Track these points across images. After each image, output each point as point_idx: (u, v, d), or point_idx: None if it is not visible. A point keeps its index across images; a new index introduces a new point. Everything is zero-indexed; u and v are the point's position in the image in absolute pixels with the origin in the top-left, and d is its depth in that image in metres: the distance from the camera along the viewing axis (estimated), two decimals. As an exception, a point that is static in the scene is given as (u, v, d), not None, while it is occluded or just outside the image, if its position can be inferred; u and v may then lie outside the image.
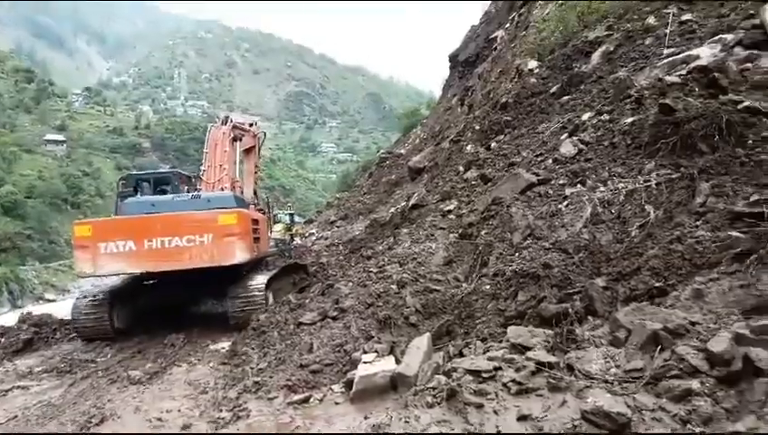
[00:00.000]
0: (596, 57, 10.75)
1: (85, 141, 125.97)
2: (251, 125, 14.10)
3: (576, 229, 5.93)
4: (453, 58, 32.46)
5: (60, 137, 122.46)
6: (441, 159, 14.59)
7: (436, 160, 15.38)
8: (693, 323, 4.11)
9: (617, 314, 4.62)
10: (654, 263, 5.03)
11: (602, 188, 6.45)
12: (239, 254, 8.83)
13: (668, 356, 3.89)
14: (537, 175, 7.68)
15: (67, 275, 69.31)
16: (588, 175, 6.98)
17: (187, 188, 11.27)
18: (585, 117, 8.54)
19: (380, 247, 9.91)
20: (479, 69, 24.11)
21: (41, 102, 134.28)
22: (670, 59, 8.53)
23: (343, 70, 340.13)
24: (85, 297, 9.64)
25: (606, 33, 11.39)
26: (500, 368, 4.33)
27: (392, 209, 14.71)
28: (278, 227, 24.54)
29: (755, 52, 7.15)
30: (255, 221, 10.09)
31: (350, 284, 8.19)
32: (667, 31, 9.62)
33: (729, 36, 7.82)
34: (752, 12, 8.16)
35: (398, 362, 5.38)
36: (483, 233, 7.47)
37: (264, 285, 9.44)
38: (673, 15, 10.06)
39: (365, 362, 5.48)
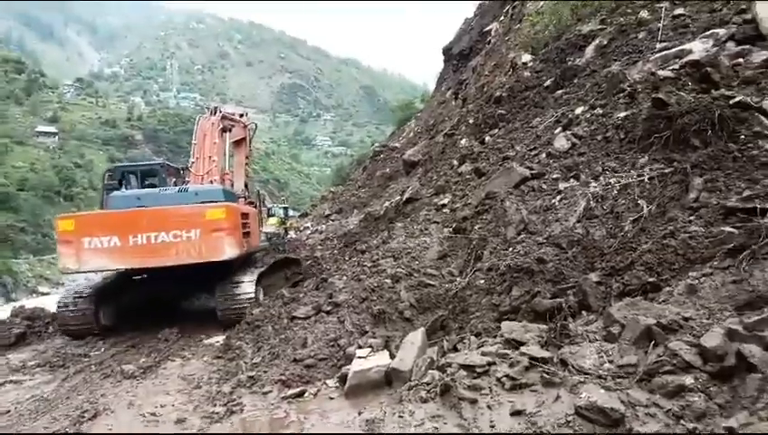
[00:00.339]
0: (589, 51, 10.74)
1: (77, 133, 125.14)
2: (241, 116, 13.83)
3: (570, 224, 5.94)
4: (447, 51, 32.37)
5: (52, 129, 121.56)
6: (435, 153, 14.58)
7: (431, 154, 15.37)
8: (686, 319, 4.12)
9: (610, 309, 4.63)
10: (647, 258, 5.04)
11: (596, 183, 6.46)
12: (228, 249, 8.61)
13: (662, 352, 3.90)
14: (531, 169, 7.68)
15: (60, 269, 68.72)
16: (581, 169, 6.98)
17: (175, 180, 11.02)
18: (578, 111, 8.54)
19: (375, 241, 9.92)
20: (473, 62, 24.08)
21: (32, 94, 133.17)
22: (663, 53, 8.53)
23: (337, 62, 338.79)
24: (71, 293, 9.42)
25: (599, 26, 11.37)
26: (494, 363, 4.34)
27: (386, 203, 14.68)
28: (272, 221, 24.50)
29: (747, 47, 7.16)
30: (245, 215, 9.88)
31: (345, 278, 8.20)
32: (660, 25, 9.60)
33: (721, 31, 7.82)
34: (743, 7, 8.16)
35: (392, 356, 5.39)
36: (477, 227, 7.48)
37: (253, 283, 9.28)
38: (666, 10, 10.05)
39: (359, 357, 5.50)
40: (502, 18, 22.45)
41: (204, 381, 6.18)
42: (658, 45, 9.06)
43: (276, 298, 8.81)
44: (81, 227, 8.62)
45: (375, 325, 6.46)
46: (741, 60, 6.94)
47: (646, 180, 6.00)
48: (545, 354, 4.30)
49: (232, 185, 12.18)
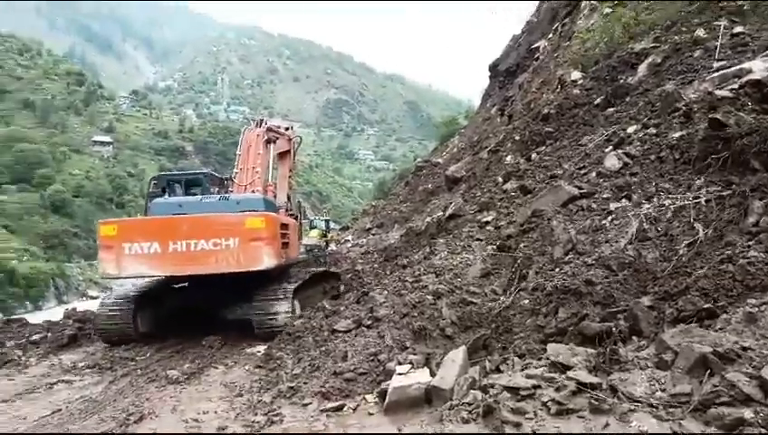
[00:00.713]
0: (642, 69, 10.49)
1: (131, 143, 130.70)
2: (287, 129, 13.85)
3: (621, 246, 5.76)
4: (493, 68, 32.22)
5: (107, 138, 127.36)
6: (479, 170, 14.46)
7: (474, 170, 15.25)
8: (744, 349, 3.91)
9: (663, 335, 4.45)
10: (703, 283, 4.83)
11: (649, 204, 6.25)
12: (266, 259, 8.50)
13: (718, 382, 3.71)
14: (580, 188, 7.50)
15: (109, 273, 71.32)
16: (634, 190, 6.78)
17: (218, 190, 11.06)
18: (631, 130, 8.32)
19: (416, 257, 9.85)
20: (520, 79, 23.86)
21: (90, 105, 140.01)
22: (721, 72, 8.25)
23: (382, 78, 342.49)
24: (110, 299, 9.47)
25: (653, 44, 11.11)
26: (539, 386, 4.22)
27: (428, 219, 14.62)
28: (314, 233, 24.79)
29: (813, 66, 6.85)
30: (285, 226, 9.78)
31: (386, 292, 8.15)
32: (718, 43, 9.32)
33: (784, 50, 7.52)
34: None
35: (432, 374, 5.32)
36: (522, 246, 7.34)
37: (290, 296, 9.12)
38: (724, 28, 9.74)
39: (399, 374, 5.44)
40: (550, 35, 22.22)
41: (245, 390, 6.24)
42: (716, 64, 8.78)
43: (317, 310, 8.84)
44: (122, 232, 8.61)
45: (415, 342, 6.39)
46: (806, 79, 6.64)
47: (702, 203, 5.77)
48: (594, 380, 4.15)
49: (275, 196, 12.21)
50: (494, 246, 8.08)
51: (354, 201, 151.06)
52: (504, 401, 4.13)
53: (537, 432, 3.79)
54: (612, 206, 6.71)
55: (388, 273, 10.14)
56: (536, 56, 22.63)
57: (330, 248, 21.12)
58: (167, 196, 10.37)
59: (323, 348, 6.92)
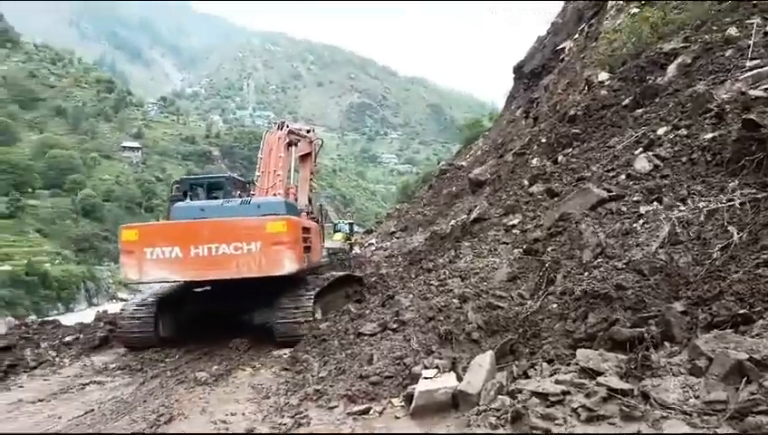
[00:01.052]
0: (672, 69, 10.29)
1: (159, 148, 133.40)
2: (308, 131, 13.72)
3: (652, 249, 5.64)
4: (518, 69, 31.97)
5: (136, 144, 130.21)
6: (504, 172, 14.34)
7: (499, 173, 15.14)
8: (783, 356, 3.80)
9: (697, 340, 4.34)
10: (738, 288, 4.70)
11: (681, 207, 6.12)
12: (288, 264, 8.37)
13: (755, 389, 3.61)
14: (609, 191, 7.38)
15: (138, 276, 73.05)
16: (665, 192, 6.64)
17: (240, 193, 10.94)
18: (661, 131, 8.16)
19: (441, 260, 9.82)
20: (545, 80, 23.63)
21: (119, 111, 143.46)
22: (754, 72, 8.05)
23: (405, 81, 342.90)
24: (131, 305, 9.43)
25: (682, 44, 10.89)
26: (568, 392, 4.15)
27: (452, 222, 14.56)
28: (338, 237, 24.91)
29: None
30: (307, 229, 9.66)
31: (411, 296, 8.13)
32: (751, 42, 9.08)
33: (822, 48, 7.30)
34: None
35: (459, 379, 5.28)
36: (549, 250, 7.25)
37: (311, 301, 8.95)
38: (757, 26, 9.50)
39: (426, 378, 5.41)
40: (576, 36, 21.97)
41: (272, 392, 6.29)
42: (748, 63, 8.57)
43: (343, 313, 8.87)
44: (143, 237, 8.54)
45: (441, 346, 6.36)
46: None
47: (736, 205, 5.63)
48: (625, 386, 4.06)
49: (296, 200, 12.09)
50: (521, 250, 8.00)
51: (378, 205, 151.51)
52: (532, 407, 4.08)
53: (567, 439, 3.73)
54: (643, 209, 6.59)
55: (412, 276, 10.13)
56: (562, 57, 22.39)
57: (354, 252, 21.18)
58: (188, 200, 10.30)
59: (349, 351, 6.93)
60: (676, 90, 9.32)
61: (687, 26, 11.60)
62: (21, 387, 7.39)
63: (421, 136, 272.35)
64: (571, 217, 7.36)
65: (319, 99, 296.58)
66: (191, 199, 10.35)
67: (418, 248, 14.09)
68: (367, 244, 25.67)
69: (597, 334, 5.10)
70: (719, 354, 4.03)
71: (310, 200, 13.31)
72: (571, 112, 11.84)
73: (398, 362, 6.16)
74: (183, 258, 8.28)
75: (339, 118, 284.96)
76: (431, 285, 8.22)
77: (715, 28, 10.58)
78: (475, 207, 12.29)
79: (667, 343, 4.64)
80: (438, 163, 59.95)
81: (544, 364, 5.07)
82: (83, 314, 24.85)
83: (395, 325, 7.15)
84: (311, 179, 13.76)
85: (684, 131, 7.72)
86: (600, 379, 4.21)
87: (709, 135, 7.12)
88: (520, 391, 4.42)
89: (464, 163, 30.26)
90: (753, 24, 9.63)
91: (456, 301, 7.02)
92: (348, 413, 5.32)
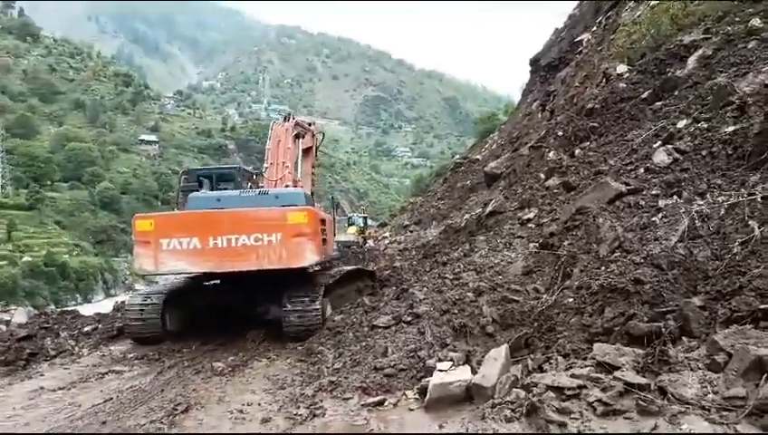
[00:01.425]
0: (692, 61, 10.09)
1: (176, 142, 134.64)
2: (310, 124, 13.62)
3: (671, 244, 5.57)
4: (534, 62, 31.67)
5: (153, 137, 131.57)
6: (520, 166, 14.22)
7: (515, 167, 15.00)
8: (805, 352, 3.74)
9: (715, 336, 4.29)
10: (758, 283, 4.62)
11: (700, 201, 6.02)
12: (309, 256, 8.22)
13: (776, 386, 3.57)
14: (627, 184, 7.28)
15: (155, 268, 74.25)
16: (684, 186, 6.54)
17: (249, 185, 10.80)
18: (680, 124, 8.03)
19: (456, 254, 9.79)
20: (562, 73, 23.36)
21: (137, 105, 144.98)
22: (778, 63, 7.88)
23: (420, 75, 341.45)
24: (138, 296, 9.26)
25: (703, 36, 10.67)
26: (585, 386, 4.13)
27: (467, 216, 14.49)
28: (352, 230, 24.98)
29: None
30: (323, 221, 9.52)
31: (425, 289, 8.14)
32: (775, 33, 8.89)
33: None
34: None
35: (474, 372, 5.28)
36: (565, 243, 7.19)
37: (320, 296, 8.74)
38: (782, 16, 9.29)
39: (440, 371, 5.41)
40: (594, 28, 21.67)
41: (288, 383, 6.33)
42: (772, 55, 8.38)
43: (357, 306, 8.89)
44: (159, 227, 8.30)
45: (456, 339, 6.36)
46: None
47: (757, 199, 5.52)
48: (642, 381, 4.04)
49: None
50: (537, 244, 7.95)
51: (392, 198, 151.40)
52: (548, 401, 4.07)
53: (583, 433, 3.72)
54: (661, 203, 6.49)
55: (427, 270, 10.11)
56: (579, 50, 22.12)
57: (367, 245, 21.23)
58: (204, 190, 10.12)
59: (364, 343, 6.96)
60: (697, 82, 9.14)
61: (708, 18, 11.36)
62: (42, 375, 7.51)
63: (436, 129, 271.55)
64: (588, 211, 7.29)
65: (334, 92, 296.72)
66: (204, 189, 10.18)
67: (433, 242, 14.05)
68: (381, 237, 25.71)
69: (614, 329, 5.06)
70: (739, 350, 3.99)
71: (312, 194, 13.13)
72: (589, 105, 11.69)
73: (412, 354, 6.18)
74: (201, 249, 8.09)
75: (353, 111, 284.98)
76: (446, 278, 8.21)
77: (737, 19, 10.34)
78: (491, 200, 12.22)
79: (684, 338, 4.59)
80: (453, 157, 59.69)
81: (560, 358, 5.05)
82: (101, 305, 25.27)
83: (409, 318, 7.17)
84: (312, 173, 13.70)
85: (704, 124, 7.58)
86: (617, 373, 4.19)
87: (730, 128, 6.99)
88: (535, 385, 4.41)
89: (478, 157, 30.09)
90: (777, 14, 9.42)
91: (470, 294, 7.01)
92: (362, 405, 5.34)
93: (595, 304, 5.52)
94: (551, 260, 7.25)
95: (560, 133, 12.00)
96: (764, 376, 3.71)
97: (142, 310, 8.76)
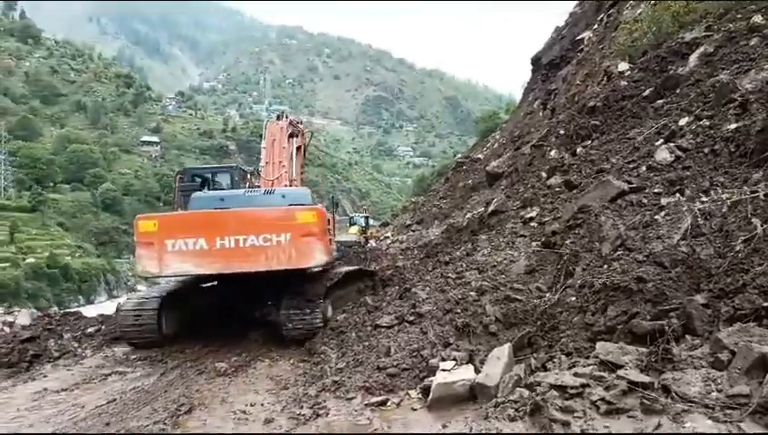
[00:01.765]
0: (693, 59, 10.07)
1: (177, 143, 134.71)
2: (299, 123, 13.55)
3: (673, 242, 5.56)
4: (535, 60, 31.60)
5: (155, 138, 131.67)
6: (522, 165, 14.20)
7: (516, 166, 14.98)
8: (808, 350, 3.73)
9: (719, 334, 4.28)
10: (761, 281, 4.61)
11: (703, 199, 6.01)
12: (318, 256, 8.03)
13: (780, 384, 3.56)
14: (629, 183, 7.27)
15: (157, 269, 74.32)
16: (686, 184, 6.53)
17: (248, 184, 10.66)
18: (682, 122, 8.02)
19: (458, 253, 9.79)
20: (563, 71, 23.33)
21: (138, 106, 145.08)
22: (781, 60, 7.86)
23: (421, 74, 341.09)
24: (132, 301, 9.03)
25: (705, 33, 10.65)
26: (588, 385, 4.13)
27: (469, 215, 14.47)
28: (353, 230, 24.99)
29: None
30: (329, 221, 9.39)
31: (428, 289, 8.14)
32: (777, 30, 8.87)
33: None
34: None
35: (477, 371, 5.28)
36: (568, 242, 7.18)
37: (321, 298, 8.59)
38: (784, 13, 9.27)
39: (443, 370, 5.42)
40: (595, 26, 21.64)
41: (291, 383, 6.34)
42: (775, 52, 8.36)
43: (360, 306, 8.89)
44: (164, 228, 8.04)
45: (459, 338, 6.35)
46: None
47: (760, 197, 5.51)
48: (645, 379, 4.03)
49: None
50: (539, 243, 7.94)
51: (393, 198, 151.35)
52: (551, 400, 4.07)
53: (586, 432, 3.71)
54: (664, 201, 6.48)
55: (429, 269, 10.11)
56: (580, 48, 22.07)
57: (369, 245, 21.21)
58: (206, 189, 9.96)
59: (366, 343, 6.97)
60: (698, 80, 9.13)
61: (710, 15, 11.34)
62: (45, 377, 7.52)
63: (437, 129, 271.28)
64: (590, 210, 7.28)
65: (335, 92, 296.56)
66: (206, 189, 10.09)
67: (435, 241, 14.04)
68: (383, 237, 25.67)
69: (616, 327, 5.05)
70: (742, 348, 3.98)
71: None
72: (590, 104, 11.67)
73: (415, 354, 6.19)
74: (208, 250, 7.83)
75: (355, 111, 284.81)
76: (448, 277, 8.21)
77: (739, 16, 10.32)
78: (493, 199, 12.22)
79: (688, 337, 4.59)
80: (454, 156, 59.69)
81: (563, 357, 5.05)
82: (104, 306, 25.30)
83: (412, 318, 7.17)
84: (302, 172, 13.54)
85: (706, 122, 7.57)
86: (620, 372, 4.18)
87: (732, 125, 6.97)
88: (538, 384, 4.40)
89: (480, 156, 30.05)
90: (779, 11, 9.40)
91: (473, 293, 7.01)
92: (365, 404, 5.35)
93: (598, 302, 5.52)
94: (553, 259, 7.24)
95: (561, 132, 11.99)
96: (768, 374, 3.71)
97: (138, 315, 8.50)
